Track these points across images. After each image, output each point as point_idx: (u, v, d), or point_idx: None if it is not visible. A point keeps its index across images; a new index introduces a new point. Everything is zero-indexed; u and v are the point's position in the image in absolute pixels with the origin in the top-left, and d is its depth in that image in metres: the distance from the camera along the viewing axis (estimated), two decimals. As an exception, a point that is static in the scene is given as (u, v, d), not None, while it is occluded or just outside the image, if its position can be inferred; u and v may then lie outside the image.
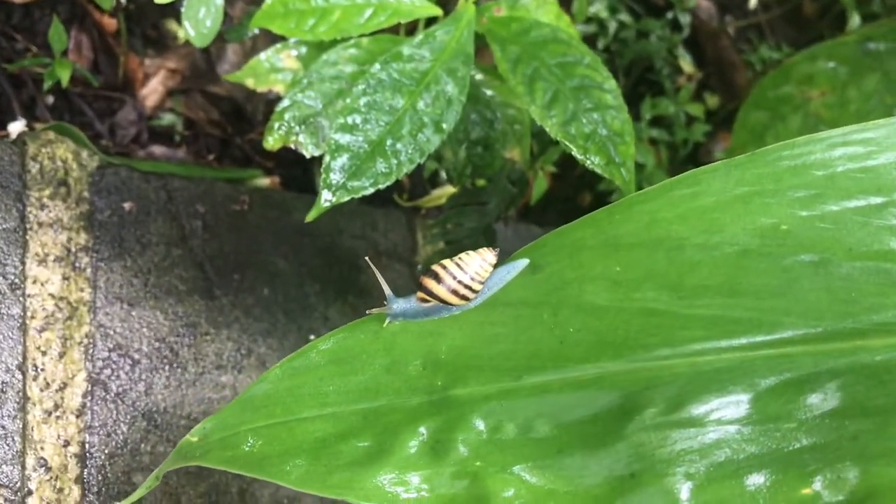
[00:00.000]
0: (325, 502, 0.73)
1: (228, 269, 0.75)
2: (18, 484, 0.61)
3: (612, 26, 1.04)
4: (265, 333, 0.75)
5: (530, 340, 0.44)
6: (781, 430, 0.39)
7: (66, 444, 0.64)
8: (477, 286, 0.48)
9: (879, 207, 0.41)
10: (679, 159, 1.07)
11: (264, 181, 0.88)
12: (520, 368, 0.44)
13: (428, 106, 0.61)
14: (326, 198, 0.58)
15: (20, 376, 0.63)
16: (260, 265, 0.77)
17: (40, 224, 0.67)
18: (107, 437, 0.66)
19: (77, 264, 0.67)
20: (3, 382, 0.62)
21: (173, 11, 0.90)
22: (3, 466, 0.61)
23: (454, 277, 0.48)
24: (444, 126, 0.61)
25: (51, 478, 0.62)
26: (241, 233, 0.77)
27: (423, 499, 0.42)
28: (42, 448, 0.63)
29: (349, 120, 0.60)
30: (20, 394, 0.63)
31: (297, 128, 0.65)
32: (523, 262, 0.48)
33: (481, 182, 0.77)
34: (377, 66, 0.61)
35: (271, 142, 0.64)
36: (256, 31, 0.73)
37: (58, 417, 0.64)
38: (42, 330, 0.64)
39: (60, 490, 0.63)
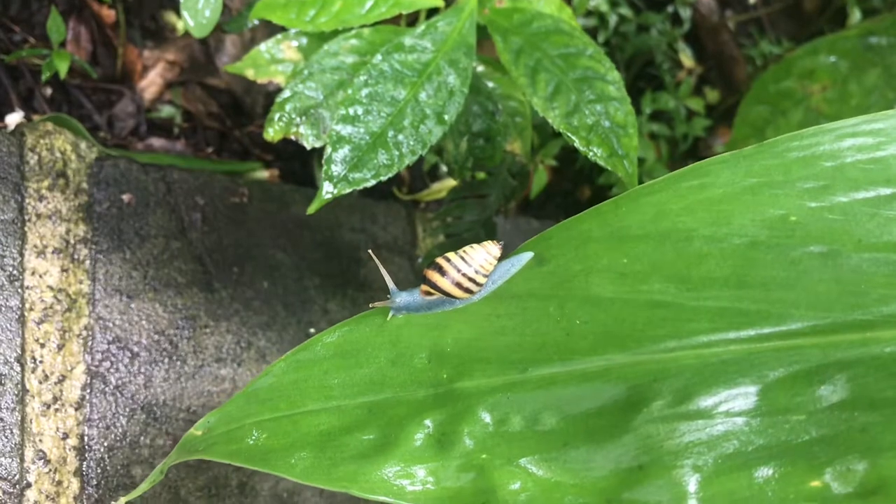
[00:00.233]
0: (323, 495, 0.73)
1: (228, 261, 0.74)
2: (17, 476, 0.61)
3: (613, 20, 1.04)
4: (265, 326, 0.74)
5: (536, 333, 0.44)
6: (790, 422, 0.39)
7: (65, 436, 0.63)
8: (481, 279, 0.48)
9: (889, 198, 0.41)
10: (679, 154, 1.07)
11: (263, 174, 0.88)
12: (526, 361, 0.44)
13: (430, 97, 0.60)
14: (328, 190, 0.58)
15: (19, 368, 0.62)
16: (259, 258, 0.76)
17: (39, 215, 0.66)
18: (106, 429, 0.65)
19: (76, 256, 0.67)
20: (1, 374, 0.61)
21: (172, 3, 0.89)
22: (2, 459, 0.60)
23: (458, 270, 0.47)
24: (446, 118, 0.60)
25: (50, 470, 0.62)
26: (241, 225, 0.76)
27: (428, 491, 0.41)
28: (41, 440, 0.62)
29: (350, 111, 0.59)
30: (19, 386, 0.62)
31: (298, 119, 0.64)
32: (527, 256, 0.47)
33: (481, 175, 0.77)
34: (379, 56, 0.61)
35: (272, 133, 0.64)
36: (256, 22, 0.72)
37: (57, 410, 0.63)
38: (41, 322, 0.64)
39: (59, 483, 0.62)
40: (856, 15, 1.10)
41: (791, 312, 0.40)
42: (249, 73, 0.69)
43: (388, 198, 0.92)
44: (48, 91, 0.83)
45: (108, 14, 0.86)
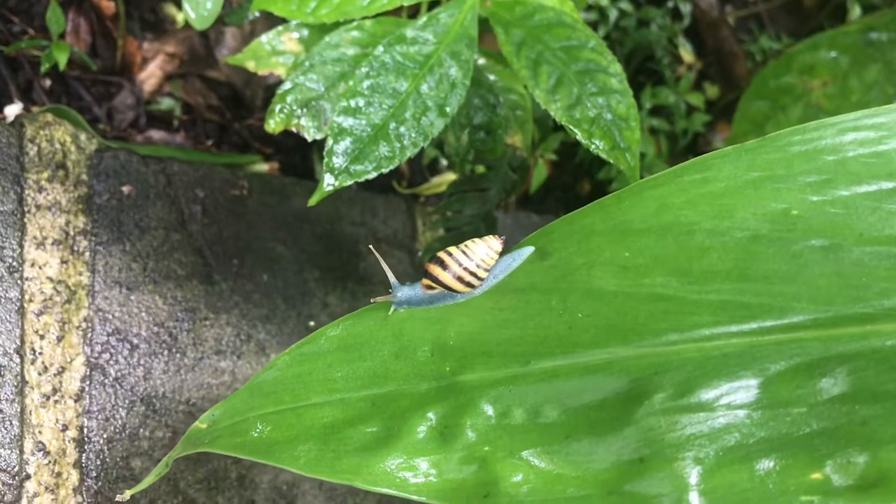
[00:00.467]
0: (322, 487, 0.73)
1: (228, 254, 0.74)
2: (17, 468, 0.61)
3: (613, 14, 1.04)
4: (264, 319, 0.74)
5: (539, 326, 0.44)
6: (791, 414, 0.39)
7: (65, 428, 0.63)
8: (482, 273, 0.48)
9: (890, 192, 0.41)
10: (679, 149, 1.07)
11: (263, 167, 0.88)
12: (528, 354, 0.44)
13: (431, 89, 0.60)
14: (329, 182, 0.58)
15: (18, 360, 0.62)
16: (259, 251, 0.76)
17: (38, 207, 0.66)
18: (105, 421, 0.65)
19: (75, 248, 0.67)
20: (1, 366, 0.61)
21: (172, -6, 0.89)
22: (2, 450, 0.60)
23: (460, 264, 0.47)
24: (448, 110, 0.60)
25: (49, 462, 0.62)
26: (241, 218, 0.76)
27: (431, 483, 0.41)
28: (40, 432, 0.62)
29: (352, 103, 0.59)
30: (18, 377, 0.62)
31: (299, 111, 0.64)
32: (528, 250, 0.47)
33: (480, 169, 0.77)
34: (380, 48, 0.61)
35: (273, 125, 0.64)
36: (257, 14, 0.72)
37: (56, 401, 0.63)
38: (40, 313, 0.64)
39: (59, 474, 0.62)
40: (855, 11, 1.10)
41: (793, 306, 0.40)
42: (250, 65, 0.69)
43: (388, 191, 0.92)
44: (47, 83, 0.83)
45: (108, 6, 0.86)
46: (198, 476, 0.68)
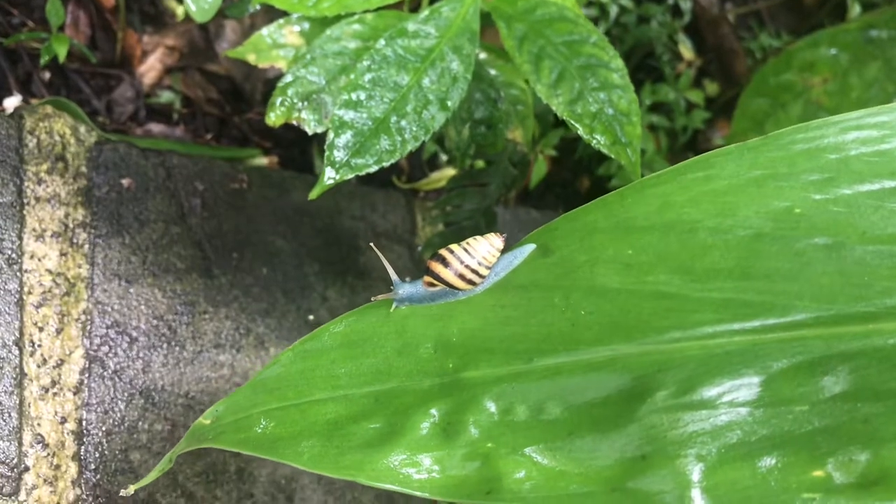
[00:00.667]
0: (321, 482, 0.73)
1: (227, 247, 0.74)
2: (15, 460, 0.61)
3: (614, 10, 1.04)
4: (264, 313, 0.74)
5: (542, 323, 0.44)
6: (793, 412, 0.39)
7: (64, 420, 0.63)
8: (484, 271, 0.48)
9: (893, 191, 0.41)
10: (678, 146, 1.07)
11: (262, 161, 0.88)
12: (531, 351, 0.44)
13: (433, 83, 0.60)
14: (330, 175, 0.58)
15: (17, 352, 0.62)
16: (259, 244, 0.76)
17: (38, 199, 0.66)
18: (104, 414, 0.65)
19: (75, 240, 0.67)
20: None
21: (172, -13, 0.89)
22: (0, 442, 0.60)
23: (461, 262, 0.47)
24: (450, 104, 0.60)
25: (48, 454, 0.62)
26: (240, 211, 0.76)
27: (434, 479, 0.41)
28: (39, 424, 0.62)
29: (353, 96, 0.59)
30: (17, 369, 0.62)
31: (300, 104, 0.64)
32: (530, 248, 0.47)
33: (480, 163, 0.77)
34: (382, 41, 0.61)
35: (273, 118, 0.64)
36: (257, 7, 0.72)
37: (55, 394, 0.63)
38: (39, 305, 0.64)
39: (57, 467, 0.62)
40: (855, 9, 1.10)
41: (795, 304, 0.41)
42: (251, 58, 0.69)
43: (388, 186, 0.92)
44: (46, 75, 0.82)
45: (108, -3, 0.85)
46: (196, 469, 0.68)
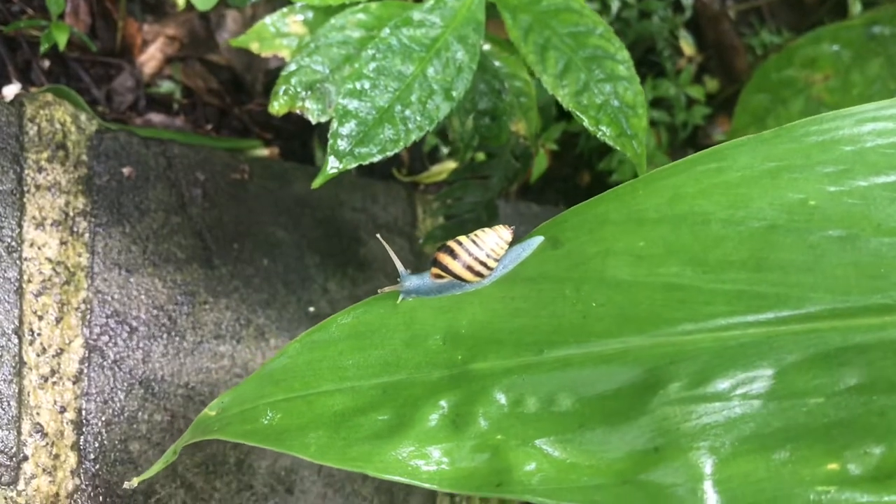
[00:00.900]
0: (321, 474, 0.73)
1: (228, 238, 0.74)
2: (14, 449, 0.60)
3: (615, 5, 1.04)
4: (264, 304, 0.74)
5: (552, 315, 0.44)
6: (808, 405, 0.39)
7: (63, 410, 0.63)
8: (492, 263, 0.47)
9: (909, 184, 0.40)
10: (678, 142, 1.07)
11: (263, 152, 0.87)
12: (541, 343, 0.43)
13: (438, 73, 0.60)
14: (333, 164, 0.57)
15: (16, 340, 0.61)
16: (259, 235, 0.75)
17: (38, 187, 0.65)
18: (103, 404, 0.65)
19: (75, 229, 0.66)
20: (-1, 347, 0.61)
21: (172, -25, 0.88)
22: (-1, 433, 0.59)
23: (470, 253, 0.47)
24: (454, 94, 0.60)
25: (47, 444, 0.61)
26: (241, 202, 0.75)
27: (443, 472, 0.41)
28: (38, 413, 0.61)
29: (357, 85, 0.58)
30: (16, 358, 0.61)
31: (304, 93, 0.63)
32: (538, 240, 0.47)
33: (481, 156, 0.76)
34: (387, 30, 0.60)
35: (277, 106, 0.63)
36: (261, -4, 0.71)
37: (54, 383, 0.63)
38: (39, 294, 0.63)
39: (56, 456, 0.62)
40: (857, 7, 1.10)
41: (809, 296, 0.40)
42: (254, 47, 0.68)
43: (388, 178, 0.91)
44: (46, 63, 0.82)
45: (108, -15, 0.84)
46: (196, 460, 0.68)
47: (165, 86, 0.86)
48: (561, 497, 0.40)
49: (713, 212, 0.43)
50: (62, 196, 0.66)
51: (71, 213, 0.66)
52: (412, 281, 0.49)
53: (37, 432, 0.61)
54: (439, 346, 0.45)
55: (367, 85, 0.59)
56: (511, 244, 0.48)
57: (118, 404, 0.65)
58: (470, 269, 0.47)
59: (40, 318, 0.63)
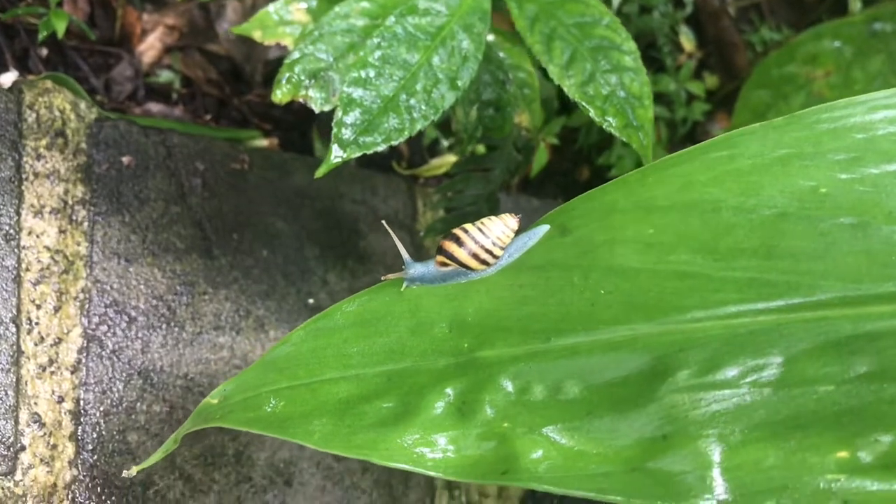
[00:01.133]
0: (320, 466, 0.72)
1: (227, 228, 0.73)
2: (11, 439, 0.59)
3: (616, 0, 1.03)
4: (263, 295, 0.73)
5: (560, 303, 0.43)
6: (818, 392, 0.38)
7: (61, 399, 0.62)
8: (498, 251, 0.47)
9: (920, 172, 0.40)
10: (678, 137, 1.07)
11: (263, 143, 0.86)
12: (549, 330, 0.43)
13: (443, 62, 0.59)
14: (337, 154, 0.57)
15: (14, 329, 0.61)
16: (259, 226, 0.75)
17: (37, 174, 0.64)
18: (102, 394, 0.64)
19: (74, 217, 0.65)
20: (-4, 336, 0.60)
21: (172, -36, 0.87)
22: (-4, 422, 0.59)
23: (476, 241, 0.47)
24: (460, 83, 0.60)
25: (44, 434, 0.61)
26: (241, 192, 0.75)
27: (448, 459, 0.41)
28: (36, 403, 0.61)
29: (362, 74, 0.58)
30: (14, 347, 0.61)
31: (307, 81, 0.63)
32: (544, 229, 0.47)
33: (481, 149, 0.76)
34: (392, 18, 0.60)
35: (280, 95, 0.62)
36: (262, -15, 0.71)
37: (52, 373, 0.62)
38: (37, 283, 0.62)
39: (54, 446, 0.61)
40: (856, 4, 1.10)
41: (820, 284, 0.40)
42: (257, 35, 0.67)
43: (388, 171, 0.91)
44: (44, 52, 0.81)
45: (107, -26, 0.84)
46: (194, 452, 0.67)
47: (164, 75, 0.86)
48: (568, 485, 0.39)
49: (724, 199, 0.43)
50: (61, 184, 0.65)
51: (70, 202, 0.65)
52: (417, 268, 0.49)
53: (34, 422, 0.60)
54: (445, 334, 0.45)
55: (371, 73, 0.59)
56: (518, 232, 0.48)
57: (116, 395, 0.65)
58: (475, 256, 0.47)
59: (38, 307, 0.62)
